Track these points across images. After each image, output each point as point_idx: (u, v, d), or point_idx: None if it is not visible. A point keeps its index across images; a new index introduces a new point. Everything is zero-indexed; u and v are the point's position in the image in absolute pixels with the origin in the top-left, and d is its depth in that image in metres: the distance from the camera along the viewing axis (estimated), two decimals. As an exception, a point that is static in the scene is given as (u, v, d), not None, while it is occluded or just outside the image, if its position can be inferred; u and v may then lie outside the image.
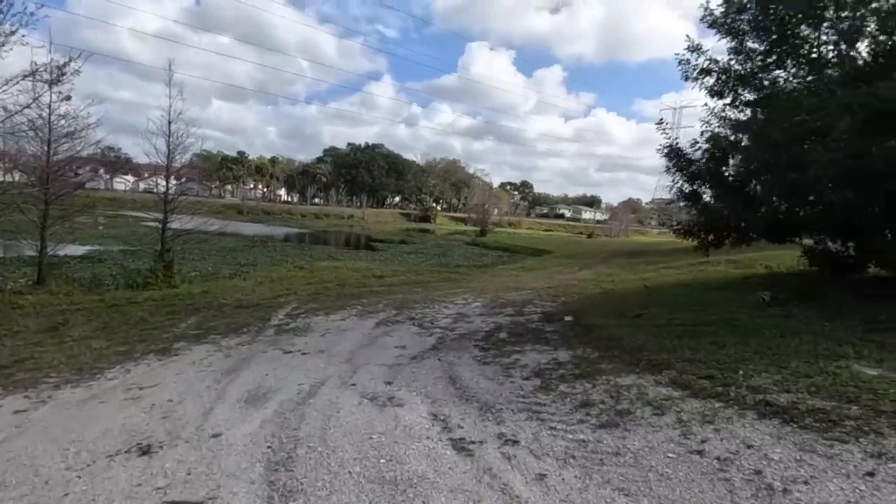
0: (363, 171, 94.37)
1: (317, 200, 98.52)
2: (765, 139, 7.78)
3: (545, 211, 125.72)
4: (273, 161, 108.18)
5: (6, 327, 7.72)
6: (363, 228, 60.40)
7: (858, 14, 7.62)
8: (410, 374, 5.58)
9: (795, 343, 5.23)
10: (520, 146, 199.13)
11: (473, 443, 3.61)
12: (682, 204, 12.37)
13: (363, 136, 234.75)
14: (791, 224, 8.12)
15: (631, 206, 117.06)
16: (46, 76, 10.73)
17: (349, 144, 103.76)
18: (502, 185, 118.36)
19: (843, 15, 7.54)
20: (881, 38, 7.44)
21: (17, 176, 14.05)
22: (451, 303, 10.97)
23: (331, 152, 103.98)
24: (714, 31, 9.55)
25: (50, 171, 12.33)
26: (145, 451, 3.60)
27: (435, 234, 59.34)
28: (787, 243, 9.12)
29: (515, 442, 3.59)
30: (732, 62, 9.49)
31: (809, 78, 8.38)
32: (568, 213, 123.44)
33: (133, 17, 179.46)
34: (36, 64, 10.26)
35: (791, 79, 8.95)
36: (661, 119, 11.23)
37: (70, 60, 11.17)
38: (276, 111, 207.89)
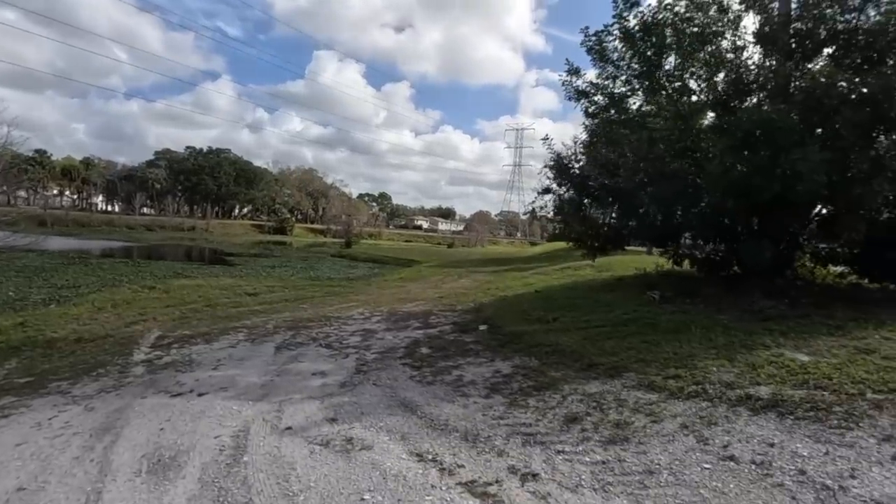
0: (207, 178, 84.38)
1: (147, 210, 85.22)
2: (649, 157, 8.57)
3: (403, 222, 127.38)
4: (87, 163, 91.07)
5: None
6: (209, 241, 53.77)
7: (698, 54, 8.89)
8: (352, 405, 4.74)
9: (720, 338, 5.66)
10: (373, 157, 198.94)
11: (490, 484, 3.03)
12: (552, 214, 13.29)
13: (199, 139, 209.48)
14: (673, 231, 9.09)
15: (482, 217, 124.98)
16: None
17: (188, 148, 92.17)
18: (360, 197, 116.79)
19: (708, 49, 8.72)
20: (733, 69, 8.77)
21: None
22: (349, 319, 10.09)
23: (165, 155, 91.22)
24: (591, 57, 10.38)
25: None
26: (7, 583, 2.28)
27: (293, 246, 55.56)
28: (667, 247, 10.19)
29: (535, 475, 3.11)
30: (605, 87, 10.38)
31: (677, 102, 9.51)
32: (425, 225, 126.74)
33: None
34: None
35: (657, 105, 10.08)
36: (547, 135, 11.90)
37: None
38: (84, 105, 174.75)
